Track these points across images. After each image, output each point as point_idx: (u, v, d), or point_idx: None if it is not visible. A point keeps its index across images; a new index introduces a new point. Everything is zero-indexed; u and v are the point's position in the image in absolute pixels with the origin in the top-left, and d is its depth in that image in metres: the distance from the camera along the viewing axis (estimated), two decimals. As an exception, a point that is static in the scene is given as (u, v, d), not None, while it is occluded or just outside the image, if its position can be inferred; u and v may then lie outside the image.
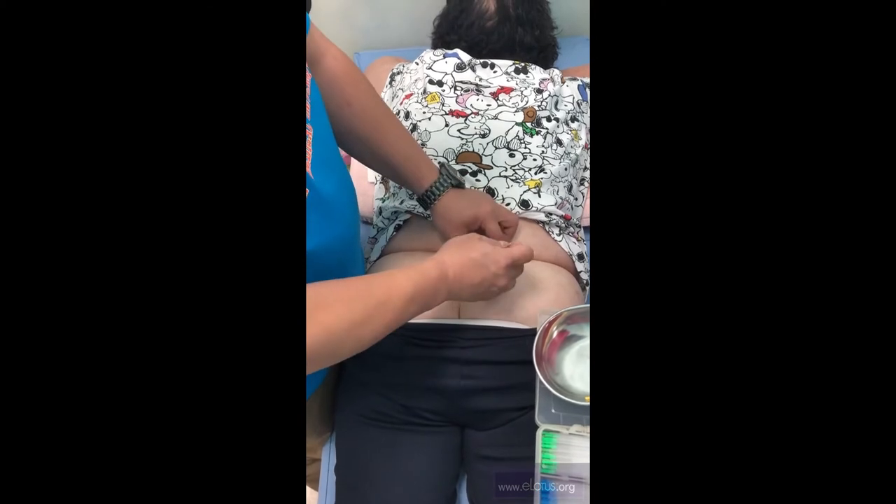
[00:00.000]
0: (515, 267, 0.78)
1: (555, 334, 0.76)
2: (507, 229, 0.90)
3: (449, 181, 0.87)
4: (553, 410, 0.73)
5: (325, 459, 0.94)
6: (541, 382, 0.73)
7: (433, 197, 0.87)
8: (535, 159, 0.97)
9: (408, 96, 1.06)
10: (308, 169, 0.60)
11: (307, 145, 0.62)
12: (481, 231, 0.87)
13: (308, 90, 0.64)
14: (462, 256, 0.74)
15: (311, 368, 0.59)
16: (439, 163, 0.90)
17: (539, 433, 0.71)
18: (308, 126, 0.62)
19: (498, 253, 0.76)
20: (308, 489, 1.25)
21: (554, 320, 0.76)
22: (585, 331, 0.76)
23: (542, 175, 0.96)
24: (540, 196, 0.94)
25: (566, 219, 0.96)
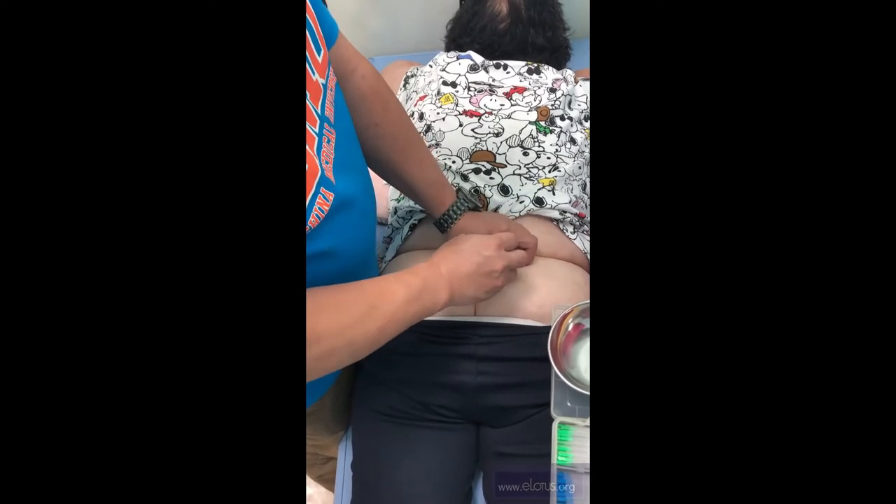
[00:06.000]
0: (513, 269, 0.79)
1: (570, 327, 0.76)
2: (525, 250, 0.87)
3: (466, 205, 0.88)
4: (569, 403, 0.73)
5: (341, 456, 0.94)
6: (556, 375, 0.73)
7: (450, 221, 0.88)
8: (548, 157, 0.97)
9: (422, 98, 1.07)
10: (330, 174, 0.61)
11: (330, 149, 0.62)
12: None
13: (332, 93, 0.65)
14: (454, 251, 0.74)
15: (308, 376, 0.57)
16: (457, 188, 0.91)
17: (555, 426, 0.71)
18: (331, 130, 0.63)
19: (488, 244, 0.76)
20: (324, 489, 1.25)
21: (569, 313, 0.76)
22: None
23: (555, 173, 0.96)
24: (554, 194, 0.94)
25: (580, 217, 0.97)
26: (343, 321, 0.61)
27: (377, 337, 0.65)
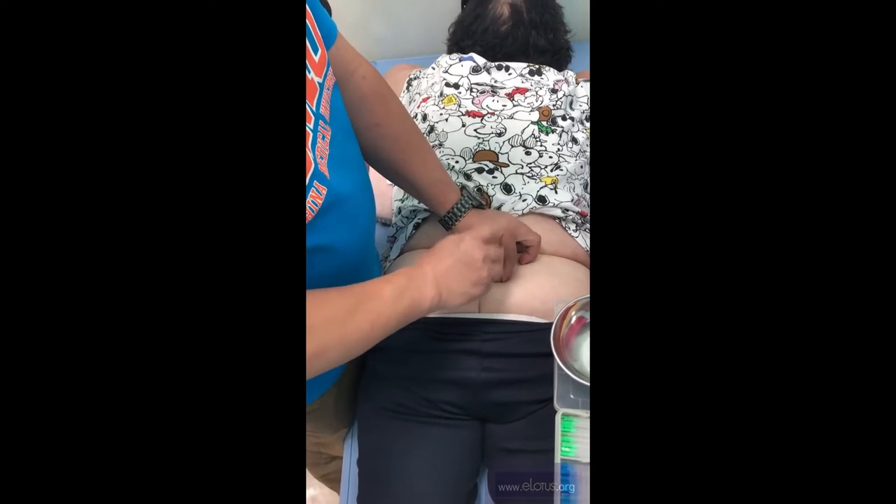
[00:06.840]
0: (494, 261, 0.78)
1: (573, 320, 0.76)
2: (528, 248, 0.89)
3: (470, 202, 0.88)
4: (572, 396, 0.74)
5: (346, 453, 0.95)
6: (559, 368, 0.73)
7: (454, 219, 0.88)
8: (550, 157, 0.98)
9: (425, 99, 1.08)
10: (324, 168, 0.62)
11: (324, 145, 0.63)
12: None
13: (329, 92, 0.66)
14: (433, 251, 0.75)
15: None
16: (460, 185, 0.91)
17: (558, 417, 0.72)
18: (326, 127, 0.64)
19: (462, 237, 0.76)
20: (328, 489, 1.25)
21: (572, 306, 0.76)
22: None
23: (557, 172, 0.97)
24: (556, 192, 0.95)
25: (583, 215, 0.97)
26: (333, 316, 0.62)
27: (369, 333, 0.65)
